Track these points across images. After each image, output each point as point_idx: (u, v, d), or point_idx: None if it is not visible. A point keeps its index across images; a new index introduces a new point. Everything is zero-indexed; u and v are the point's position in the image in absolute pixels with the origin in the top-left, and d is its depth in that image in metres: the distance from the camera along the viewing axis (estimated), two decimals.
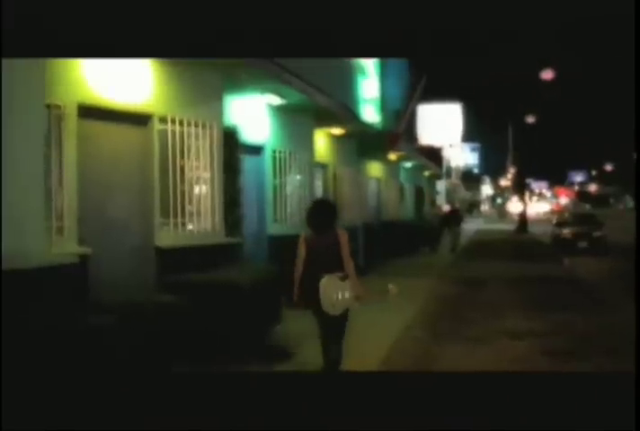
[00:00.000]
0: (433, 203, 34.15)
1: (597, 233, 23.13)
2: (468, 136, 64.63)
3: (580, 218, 26.78)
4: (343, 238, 6.27)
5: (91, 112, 7.12)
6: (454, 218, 25.99)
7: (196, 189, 8.94)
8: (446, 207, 33.22)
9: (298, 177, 13.37)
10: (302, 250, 6.39)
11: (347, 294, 6.05)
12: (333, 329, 6.19)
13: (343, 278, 6.10)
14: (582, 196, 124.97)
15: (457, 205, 35.18)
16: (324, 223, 6.35)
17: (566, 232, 23.90)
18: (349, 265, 6.21)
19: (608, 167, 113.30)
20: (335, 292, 5.99)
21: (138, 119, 7.96)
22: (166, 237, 8.20)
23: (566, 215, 30.73)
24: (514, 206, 49.50)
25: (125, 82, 7.60)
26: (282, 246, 11.59)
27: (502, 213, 68.67)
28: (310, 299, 6.09)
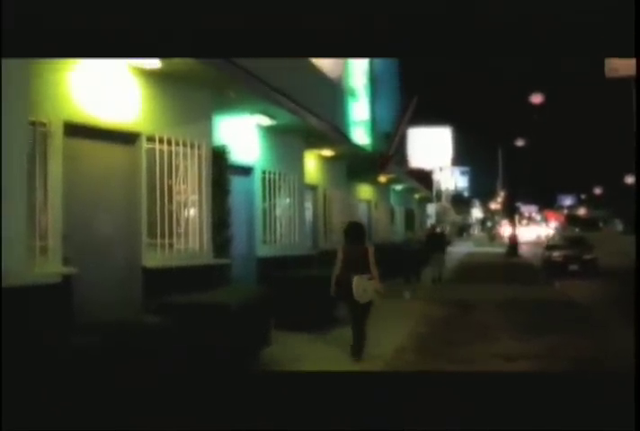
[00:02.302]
0: (410, 223, 28.61)
1: (587, 256, 23.09)
2: (458, 160, 64.95)
3: (570, 241, 26.76)
4: (370, 250, 8.67)
5: (77, 130, 7.05)
6: (438, 243, 20.98)
7: (184, 210, 8.83)
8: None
9: (288, 198, 13.29)
10: (340, 256, 8.71)
11: (370, 289, 8.45)
12: (361, 313, 8.57)
13: (370, 279, 8.47)
14: (572, 219, 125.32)
15: (447, 228, 32.57)
16: (357, 238, 8.83)
17: (557, 255, 23.84)
18: (374, 269, 8.56)
19: (597, 191, 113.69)
20: (363, 287, 8.37)
21: (126, 138, 7.88)
22: (153, 257, 8.08)
23: (557, 238, 30.68)
24: (507, 229, 49.30)
25: (113, 100, 7.54)
26: (271, 268, 11.49)
27: (492, 236, 68.65)
28: (345, 291, 8.41)
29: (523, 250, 40.84)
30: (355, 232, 8.92)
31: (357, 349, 8.52)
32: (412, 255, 20.60)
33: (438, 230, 23.84)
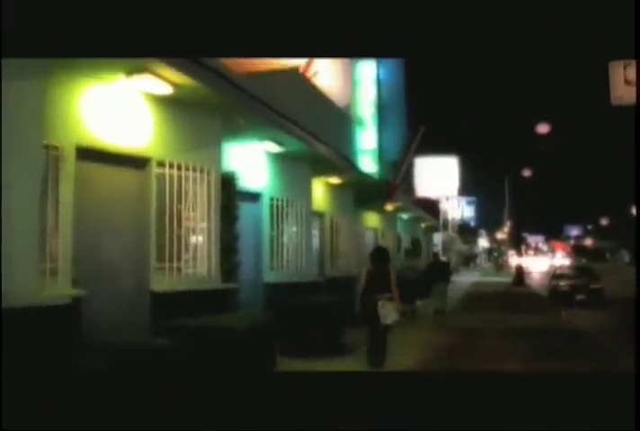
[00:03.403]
0: (415, 252, 27.61)
1: (594, 286, 23.01)
2: (465, 190, 65.00)
3: (577, 271, 26.68)
4: (392, 273, 9.89)
5: (89, 154, 7.14)
6: (441, 272, 19.84)
7: (192, 234, 8.89)
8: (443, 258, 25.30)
9: (295, 225, 13.35)
10: (364, 278, 9.95)
11: (393, 312, 9.59)
12: (382, 333, 9.71)
13: (390, 299, 9.59)
14: (579, 250, 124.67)
15: (453, 257, 32.05)
16: (381, 261, 10.03)
17: (564, 284, 23.77)
18: (395, 290, 9.72)
19: (604, 221, 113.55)
20: (387, 309, 9.47)
21: (136, 163, 7.97)
22: (162, 281, 8.12)
23: (564, 267, 30.60)
24: (515, 260, 48.90)
25: (124, 125, 7.64)
26: (278, 293, 11.51)
27: (499, 266, 68.44)
28: (370, 313, 9.59)
29: (531, 279, 40.64)
30: (381, 255, 10.19)
31: (375, 361, 9.53)
32: (409, 285, 17.09)
33: (442, 258, 22.02)
